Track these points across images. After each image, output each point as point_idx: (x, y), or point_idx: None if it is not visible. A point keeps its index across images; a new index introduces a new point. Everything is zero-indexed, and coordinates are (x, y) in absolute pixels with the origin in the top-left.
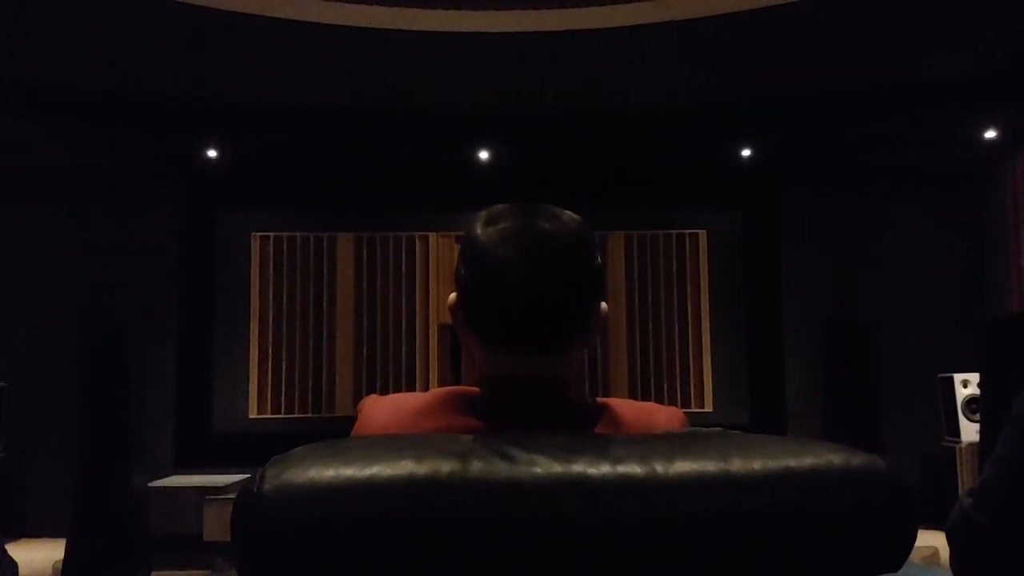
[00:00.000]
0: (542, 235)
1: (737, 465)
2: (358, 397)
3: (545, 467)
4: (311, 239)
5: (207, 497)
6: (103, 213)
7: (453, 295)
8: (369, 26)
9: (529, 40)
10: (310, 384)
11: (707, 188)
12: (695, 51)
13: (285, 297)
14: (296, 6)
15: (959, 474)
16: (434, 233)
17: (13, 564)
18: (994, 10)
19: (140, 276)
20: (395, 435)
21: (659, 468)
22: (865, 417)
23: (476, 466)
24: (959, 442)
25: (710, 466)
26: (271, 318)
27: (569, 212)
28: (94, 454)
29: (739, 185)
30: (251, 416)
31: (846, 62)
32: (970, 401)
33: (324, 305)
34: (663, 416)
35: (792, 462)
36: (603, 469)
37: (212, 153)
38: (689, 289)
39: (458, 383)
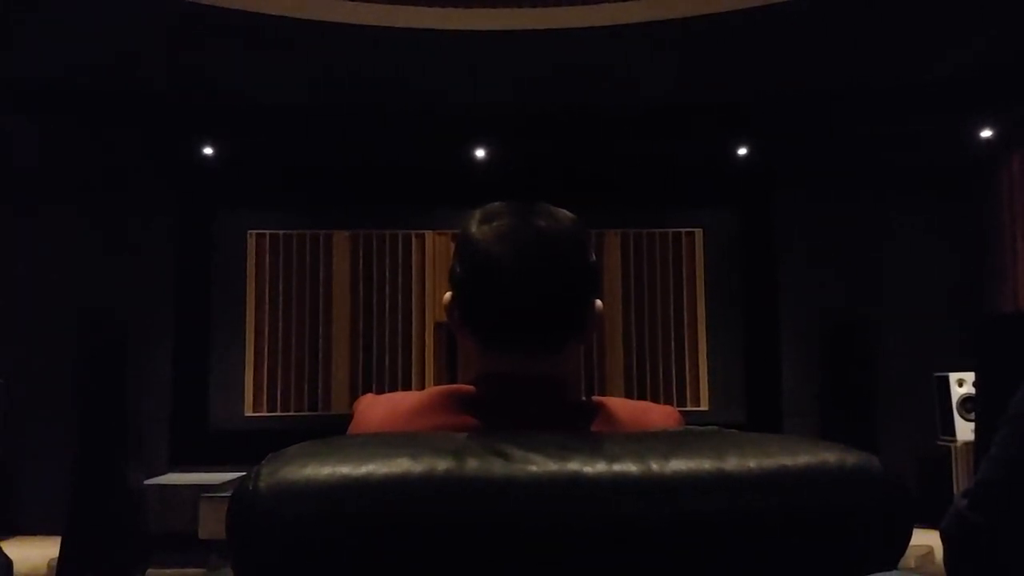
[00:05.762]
0: (537, 233)
1: (732, 463)
2: (354, 395)
3: (541, 465)
4: (307, 237)
5: (203, 495)
6: (100, 211)
7: (448, 293)
8: (365, 23)
9: (525, 39)
10: (306, 382)
11: (703, 187)
12: (691, 51)
13: (281, 295)
14: (292, 4)
15: (954, 473)
16: (430, 231)
17: (8, 561)
18: (989, 12)
19: (137, 273)
20: (391, 433)
21: (655, 466)
22: (860, 416)
23: (471, 464)
24: (954, 441)
25: (706, 464)
26: (267, 316)
27: (564, 210)
28: (90, 452)
29: (735, 184)
30: (247, 414)
31: (842, 63)
32: (965, 400)
33: (320, 303)
34: (659, 415)
35: (787, 461)
36: (599, 467)
37: (208, 151)
38: (685, 288)
39: (454, 381)
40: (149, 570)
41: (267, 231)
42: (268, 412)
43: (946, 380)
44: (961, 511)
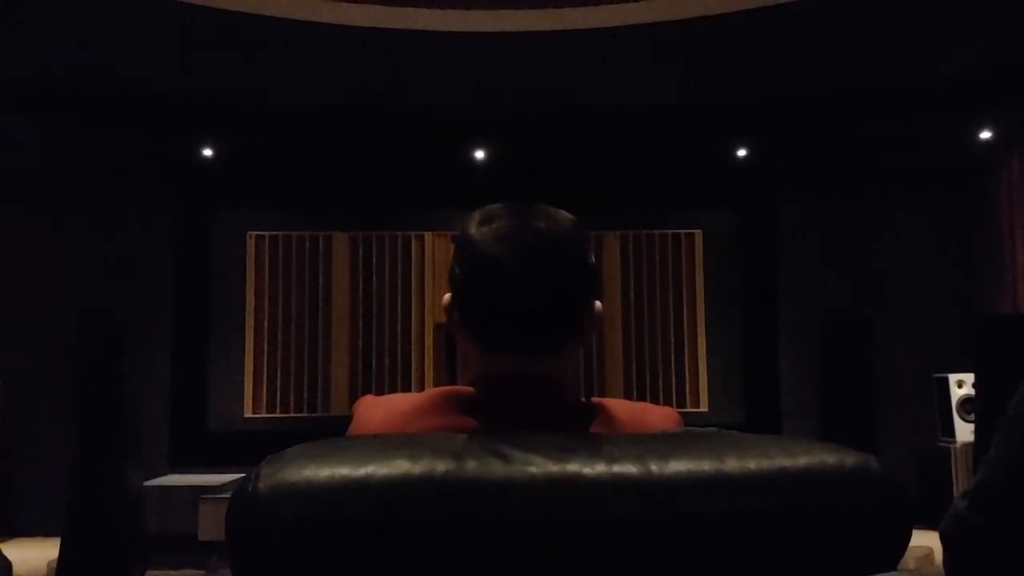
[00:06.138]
0: (536, 234)
1: (732, 465)
2: (353, 396)
3: (540, 466)
4: (307, 238)
5: (202, 496)
6: (100, 211)
7: (448, 295)
8: (365, 25)
9: (525, 40)
10: (305, 383)
11: (703, 188)
12: (691, 51)
13: (281, 296)
14: (291, 5)
15: (954, 474)
16: (430, 233)
17: (7, 563)
18: (989, 13)
19: (136, 274)
20: (390, 435)
21: (654, 468)
22: (860, 417)
23: (471, 465)
24: (954, 442)
25: (705, 465)
26: (266, 317)
27: (563, 212)
28: (89, 453)
29: (735, 185)
30: (246, 415)
31: (842, 63)
32: (965, 401)
33: (320, 304)
34: (658, 416)
35: (786, 462)
36: (598, 468)
37: (208, 152)
38: (685, 289)
39: (453, 382)
40: (148, 571)
41: (266, 232)
42: (268, 413)
43: (946, 381)
44: (960, 512)
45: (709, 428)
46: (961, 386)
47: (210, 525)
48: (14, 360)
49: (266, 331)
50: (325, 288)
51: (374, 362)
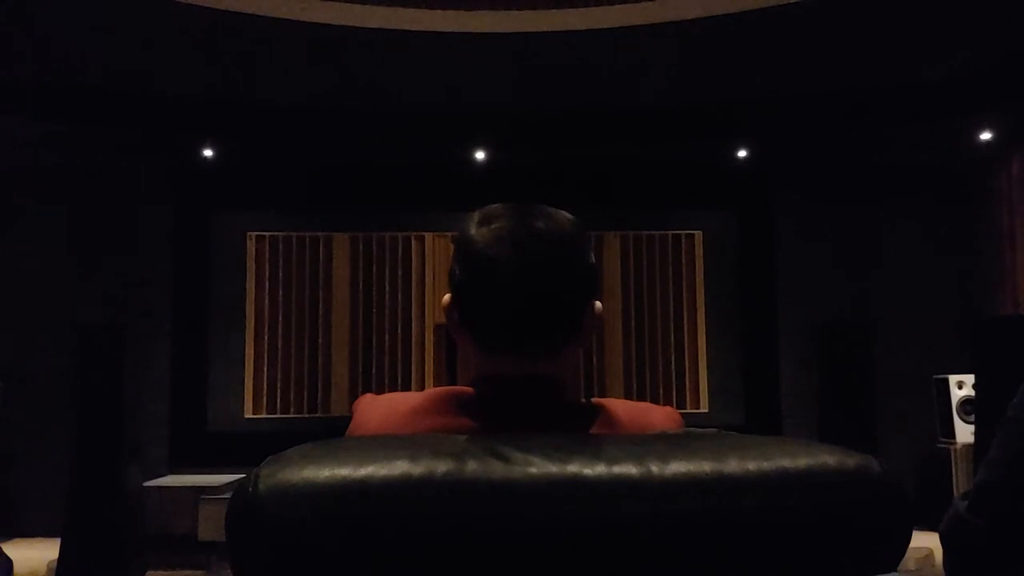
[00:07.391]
0: (536, 235)
1: (732, 466)
2: (353, 397)
3: (540, 467)
4: (307, 239)
5: (202, 497)
6: (98, 212)
7: (447, 295)
8: (365, 26)
9: (525, 41)
10: (305, 384)
11: (703, 189)
12: (691, 52)
13: (280, 297)
14: (292, 6)
15: (954, 475)
16: (430, 233)
17: (8, 562)
18: (989, 13)
19: (135, 275)
20: (390, 435)
21: (654, 468)
22: (860, 418)
23: (471, 466)
24: (954, 443)
25: (705, 467)
26: (266, 318)
27: (563, 212)
28: (89, 454)
29: (735, 186)
30: (246, 416)
31: (841, 64)
32: (965, 402)
33: (320, 305)
34: (659, 416)
35: (787, 463)
36: (598, 469)
37: (208, 152)
38: (684, 290)
39: (453, 383)
40: (148, 572)
41: (266, 233)
42: (267, 414)
43: (946, 382)
44: (960, 513)
45: (710, 429)
46: (961, 387)
47: (210, 526)
48: (14, 360)
49: (266, 331)
50: (325, 288)
51: (374, 362)
